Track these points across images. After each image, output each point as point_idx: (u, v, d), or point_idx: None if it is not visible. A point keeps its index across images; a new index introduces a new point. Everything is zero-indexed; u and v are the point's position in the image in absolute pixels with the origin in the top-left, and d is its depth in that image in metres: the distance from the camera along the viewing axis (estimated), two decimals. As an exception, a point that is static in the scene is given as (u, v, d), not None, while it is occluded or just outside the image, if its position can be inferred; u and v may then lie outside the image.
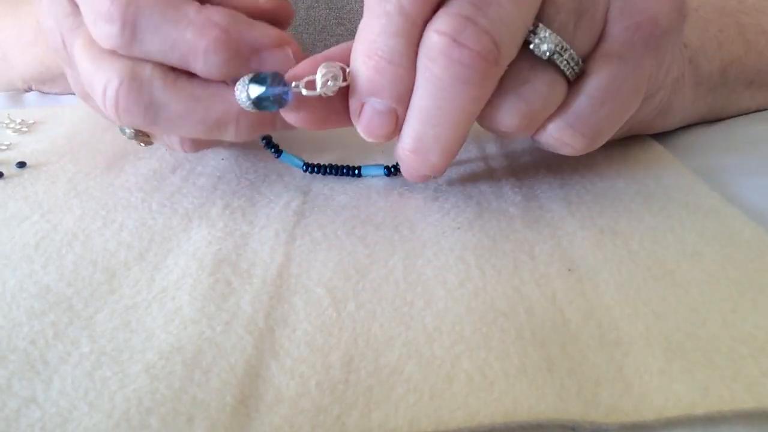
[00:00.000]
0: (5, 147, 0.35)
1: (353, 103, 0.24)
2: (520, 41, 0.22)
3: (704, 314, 0.19)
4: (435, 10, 0.21)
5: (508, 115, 0.23)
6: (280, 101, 0.23)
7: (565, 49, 0.22)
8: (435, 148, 0.23)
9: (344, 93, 0.24)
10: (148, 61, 0.24)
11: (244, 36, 0.23)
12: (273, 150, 0.29)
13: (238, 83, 0.23)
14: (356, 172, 0.30)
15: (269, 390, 0.17)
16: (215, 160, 0.32)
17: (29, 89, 0.45)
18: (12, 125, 0.38)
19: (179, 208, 0.27)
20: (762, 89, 0.34)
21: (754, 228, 0.24)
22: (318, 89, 0.23)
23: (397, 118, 0.23)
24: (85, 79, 0.25)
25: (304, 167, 0.30)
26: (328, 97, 0.23)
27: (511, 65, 0.22)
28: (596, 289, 0.21)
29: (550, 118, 0.24)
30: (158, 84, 0.24)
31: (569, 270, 0.22)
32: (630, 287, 0.21)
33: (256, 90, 0.23)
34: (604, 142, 0.25)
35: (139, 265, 0.23)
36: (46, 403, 0.17)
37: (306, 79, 0.23)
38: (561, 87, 0.23)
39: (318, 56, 0.24)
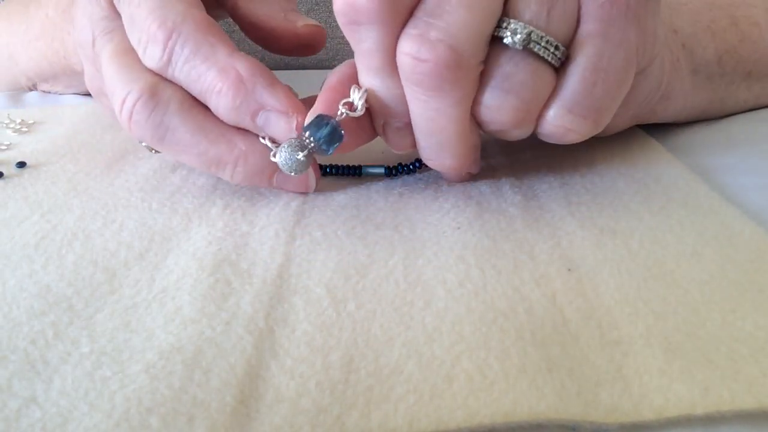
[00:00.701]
0: (5, 147, 0.35)
1: (377, 124, 0.26)
2: (482, 40, 0.22)
3: (704, 314, 0.19)
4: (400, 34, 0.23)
5: (501, 111, 0.23)
6: (337, 137, 0.25)
7: (541, 37, 0.22)
8: (445, 154, 0.25)
9: (362, 118, 0.26)
10: (173, 84, 0.25)
11: (256, 91, 0.25)
12: None
13: (279, 148, 0.25)
14: (357, 171, 0.30)
15: (269, 390, 0.17)
16: (215, 160, 0.32)
17: (33, 87, 0.45)
18: (12, 125, 0.38)
19: (179, 208, 0.27)
20: (760, 81, 0.34)
21: (754, 228, 0.24)
22: (358, 109, 0.25)
23: (412, 131, 0.25)
24: (109, 83, 0.26)
25: None
26: (355, 120, 0.25)
27: (491, 61, 0.23)
28: (596, 289, 0.21)
29: (546, 107, 0.24)
30: (174, 107, 0.25)
31: (569, 270, 0.22)
32: (630, 287, 0.21)
33: (316, 134, 0.24)
34: (607, 122, 0.25)
35: (139, 265, 0.23)
36: (47, 403, 0.17)
37: (344, 101, 0.25)
38: (547, 74, 0.23)
39: (327, 88, 0.25)
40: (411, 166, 0.29)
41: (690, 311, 0.20)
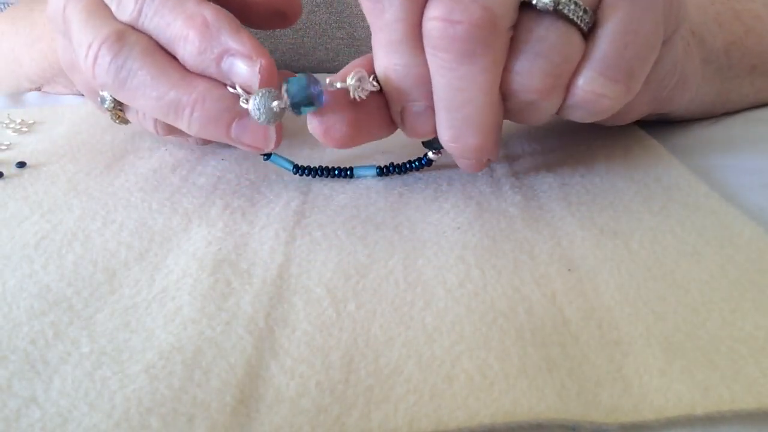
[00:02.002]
0: (5, 147, 0.35)
1: (394, 110, 0.25)
2: (514, 2, 0.22)
3: (704, 314, 0.19)
4: (425, 2, 0.22)
5: (532, 77, 0.23)
6: (314, 100, 0.24)
7: None
8: (469, 130, 0.24)
9: (372, 107, 0.25)
10: (142, 32, 0.26)
11: (221, 35, 0.24)
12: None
13: (252, 97, 0.24)
14: (348, 173, 0.29)
15: (269, 390, 0.17)
16: (215, 160, 0.32)
17: (37, 90, 0.45)
18: (12, 125, 0.38)
19: (179, 208, 0.27)
20: (763, 75, 0.34)
21: (754, 228, 0.24)
22: (351, 90, 0.24)
23: (434, 112, 0.24)
24: (77, 36, 0.27)
25: (294, 169, 0.29)
26: (359, 107, 0.25)
27: (520, 27, 0.23)
28: (596, 289, 0.21)
29: (576, 74, 0.23)
30: (138, 50, 0.25)
31: (569, 270, 0.22)
32: (630, 287, 0.21)
33: (293, 90, 0.24)
34: (638, 88, 0.24)
35: (139, 265, 0.23)
36: (46, 403, 0.17)
37: (338, 84, 0.24)
38: (576, 38, 0.23)
39: (342, 70, 0.25)
40: (403, 167, 0.29)
41: (690, 311, 0.20)
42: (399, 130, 0.27)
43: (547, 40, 0.23)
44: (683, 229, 0.24)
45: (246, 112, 0.25)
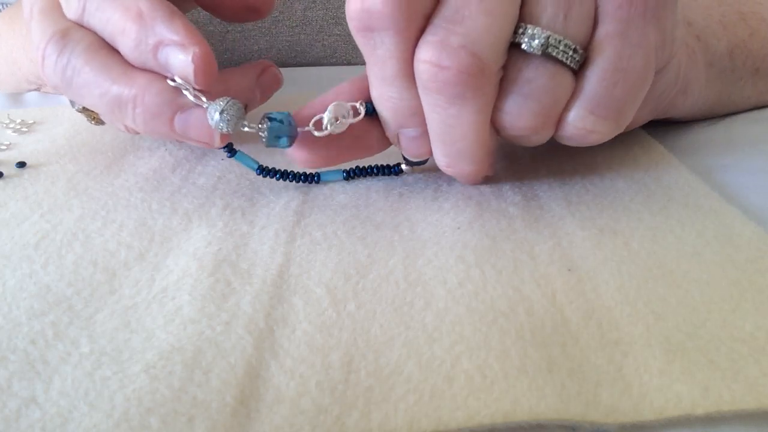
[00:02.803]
0: (5, 147, 0.35)
1: (390, 134, 0.26)
2: (502, 46, 0.22)
3: (704, 314, 0.19)
4: (419, 38, 0.22)
5: (521, 117, 0.23)
6: (286, 140, 0.25)
7: (559, 41, 0.22)
8: (464, 161, 0.25)
9: (350, 130, 0.25)
10: (86, 29, 0.26)
11: (156, 26, 0.24)
12: (225, 149, 0.27)
13: (209, 106, 0.24)
14: (314, 178, 0.29)
15: (269, 390, 0.17)
16: (215, 160, 0.32)
17: (37, 89, 0.45)
18: (12, 125, 0.38)
19: (179, 208, 0.27)
20: (765, 78, 0.34)
21: (754, 228, 0.24)
22: (326, 128, 0.25)
23: (429, 137, 0.25)
24: (33, 36, 0.27)
25: (258, 170, 0.28)
26: (336, 135, 0.25)
27: (510, 67, 0.23)
28: (596, 289, 0.21)
29: (567, 110, 0.24)
30: (81, 48, 0.25)
31: (569, 270, 0.22)
32: (630, 287, 0.21)
33: (274, 128, 0.24)
34: (628, 122, 0.25)
35: (139, 265, 0.23)
36: (46, 403, 0.17)
37: (315, 119, 0.25)
38: (566, 78, 0.23)
39: (328, 95, 0.25)
40: (371, 170, 0.29)
41: (690, 311, 0.20)
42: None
43: (537, 82, 0.23)
44: (683, 229, 0.24)
45: (187, 106, 0.24)
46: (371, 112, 0.25)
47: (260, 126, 0.24)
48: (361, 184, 0.29)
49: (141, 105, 0.25)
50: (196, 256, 0.24)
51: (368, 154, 0.27)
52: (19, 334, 0.20)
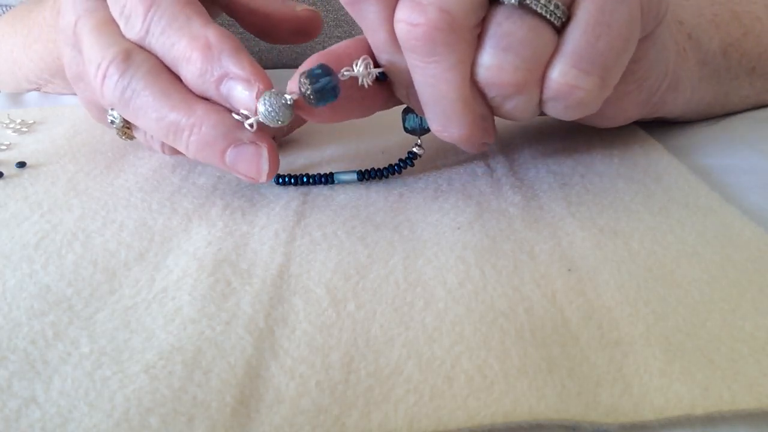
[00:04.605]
0: (5, 147, 0.35)
1: (400, 94, 0.26)
2: (477, 1, 0.22)
3: (704, 314, 0.19)
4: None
5: (502, 72, 0.23)
6: (335, 91, 0.24)
7: None
8: (452, 123, 0.25)
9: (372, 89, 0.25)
10: (149, 52, 0.26)
11: (222, 58, 0.25)
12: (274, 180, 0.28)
13: (259, 102, 0.24)
14: (330, 179, 0.29)
15: (269, 390, 0.17)
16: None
17: (37, 89, 0.46)
18: (12, 125, 0.38)
19: (179, 208, 0.27)
20: (762, 77, 0.34)
21: (754, 228, 0.24)
22: (360, 78, 0.25)
23: None
24: (88, 52, 0.27)
25: (276, 179, 0.29)
26: (364, 90, 0.25)
27: (489, 22, 0.23)
28: (596, 289, 0.21)
29: (550, 66, 0.23)
30: (143, 70, 0.25)
31: (569, 270, 0.22)
32: (630, 287, 0.21)
33: (320, 80, 0.24)
34: (615, 82, 0.24)
35: (139, 265, 0.23)
36: (46, 403, 0.17)
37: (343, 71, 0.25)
38: (548, 33, 0.23)
39: (338, 45, 0.25)
40: (385, 171, 0.29)
41: (690, 311, 0.20)
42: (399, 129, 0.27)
43: (516, 35, 0.23)
44: (683, 229, 0.24)
45: (241, 141, 0.25)
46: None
47: (303, 88, 0.24)
48: (362, 184, 0.29)
49: (197, 134, 0.25)
50: (196, 256, 0.24)
51: (374, 110, 0.27)
52: (19, 334, 0.20)
